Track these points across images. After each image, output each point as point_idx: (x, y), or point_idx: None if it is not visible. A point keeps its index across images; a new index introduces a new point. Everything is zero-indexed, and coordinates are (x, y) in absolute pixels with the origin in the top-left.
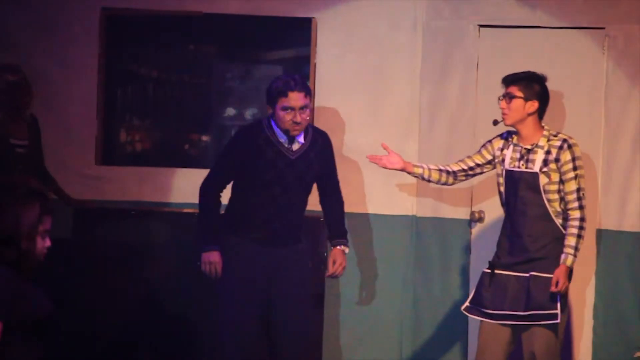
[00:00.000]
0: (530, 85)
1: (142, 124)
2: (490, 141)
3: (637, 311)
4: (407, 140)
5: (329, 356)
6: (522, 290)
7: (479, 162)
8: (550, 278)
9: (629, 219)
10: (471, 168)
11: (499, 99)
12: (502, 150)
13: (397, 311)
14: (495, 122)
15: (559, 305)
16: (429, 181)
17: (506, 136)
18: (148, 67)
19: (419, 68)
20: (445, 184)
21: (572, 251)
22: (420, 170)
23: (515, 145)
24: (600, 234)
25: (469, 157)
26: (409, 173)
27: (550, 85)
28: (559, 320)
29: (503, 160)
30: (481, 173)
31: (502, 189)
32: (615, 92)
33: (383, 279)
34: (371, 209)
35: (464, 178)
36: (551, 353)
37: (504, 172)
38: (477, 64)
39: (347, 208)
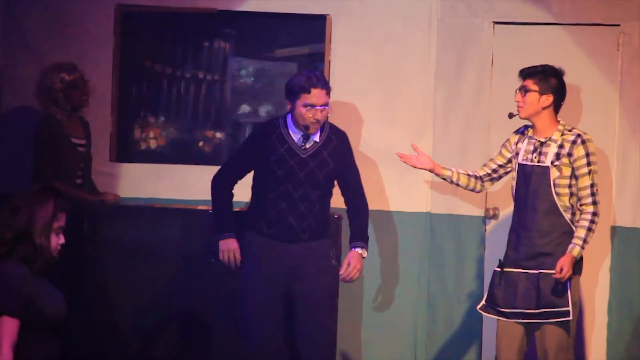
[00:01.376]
0: (546, 79)
1: (156, 121)
2: (508, 139)
3: None
4: (421, 137)
5: (344, 353)
6: (533, 288)
7: (501, 163)
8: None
9: None
10: (495, 170)
11: (515, 91)
12: (517, 144)
13: (411, 308)
14: (511, 115)
15: (570, 302)
16: (457, 185)
17: (522, 130)
18: (162, 64)
19: (434, 65)
20: (473, 189)
21: (580, 242)
22: (449, 173)
23: (530, 138)
24: (615, 230)
25: (491, 159)
26: (437, 175)
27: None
28: (570, 318)
29: (517, 154)
30: (506, 174)
31: (514, 183)
32: (630, 89)
33: (398, 276)
34: (386, 206)
35: (489, 182)
36: (564, 350)
37: (517, 165)
38: (492, 61)
39: None
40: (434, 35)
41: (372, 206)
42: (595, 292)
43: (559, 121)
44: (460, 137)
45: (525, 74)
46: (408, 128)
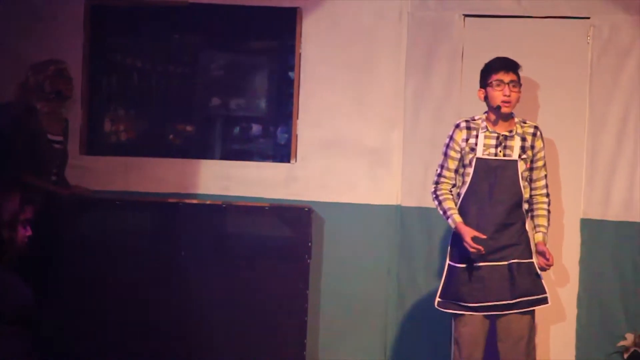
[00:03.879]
0: (519, 75)
1: (127, 114)
2: (451, 138)
3: (620, 300)
4: (392, 130)
5: (313, 346)
6: (504, 279)
7: (457, 167)
8: (530, 263)
9: (612, 208)
10: (456, 178)
11: (498, 84)
12: (467, 140)
13: (381, 300)
14: (498, 107)
15: (546, 288)
16: None
17: (466, 125)
18: (133, 57)
19: (404, 58)
20: None
21: (545, 230)
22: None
23: (489, 132)
24: (584, 223)
25: (446, 170)
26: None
27: (535, 74)
28: (549, 303)
29: (472, 150)
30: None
31: (469, 178)
32: (599, 81)
33: (367, 269)
34: (356, 199)
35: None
36: (533, 339)
37: (474, 161)
38: (462, 54)
39: (332, 198)
40: (404, 29)
41: (342, 199)
42: (565, 284)
43: (511, 114)
44: (430, 129)
45: (513, 67)
46: (379, 121)
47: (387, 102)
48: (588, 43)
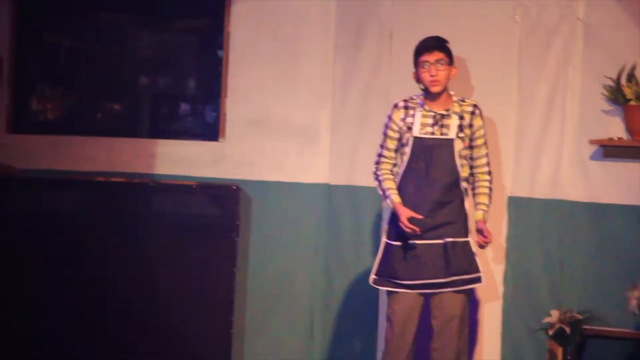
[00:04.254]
0: (450, 50)
1: (54, 92)
2: (389, 118)
3: (545, 277)
4: (320, 109)
5: (240, 324)
6: (439, 257)
7: (396, 147)
8: (466, 242)
9: (539, 186)
10: (396, 158)
11: (423, 65)
12: (404, 119)
13: (309, 279)
14: (426, 89)
15: (480, 267)
16: None
17: (404, 105)
18: (60, 36)
19: (333, 36)
20: None
21: (486, 208)
22: (396, 198)
23: (426, 111)
24: (511, 201)
25: (386, 149)
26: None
27: (463, 53)
28: (483, 283)
29: (409, 129)
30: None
31: (406, 157)
32: (527, 61)
33: (295, 247)
34: (284, 177)
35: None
36: (464, 315)
37: (411, 140)
38: (391, 33)
39: (260, 176)
40: (333, 7)
41: (270, 177)
42: (491, 262)
43: (450, 92)
44: (359, 108)
45: (440, 45)
46: (307, 99)
47: (316, 81)
48: (516, 22)
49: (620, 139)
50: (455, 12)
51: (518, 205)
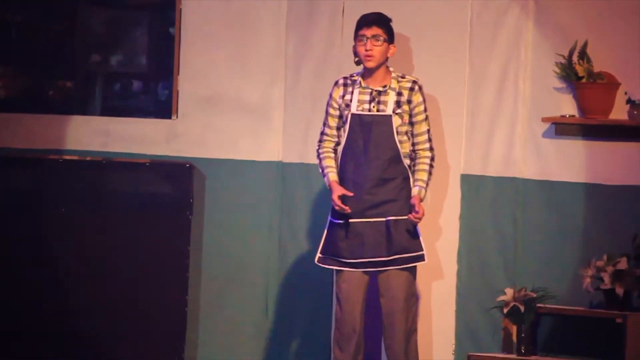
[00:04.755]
0: (391, 28)
1: (5, 70)
2: (330, 96)
3: (499, 256)
4: (273, 86)
5: (195, 302)
6: (381, 236)
7: (338, 124)
8: (408, 220)
9: (492, 164)
10: (339, 135)
11: (360, 39)
12: (343, 97)
13: (262, 256)
14: (359, 62)
15: (423, 245)
16: None
17: (344, 82)
18: (12, 13)
19: (285, 14)
20: None
21: (424, 185)
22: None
23: (363, 87)
24: (465, 179)
25: (327, 127)
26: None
27: (416, 31)
28: (426, 261)
29: (347, 106)
30: None
31: (345, 134)
32: (479, 39)
33: (249, 225)
34: (237, 155)
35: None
36: (413, 294)
37: (349, 117)
38: (343, 11)
39: (214, 154)
40: None
41: (224, 155)
42: (445, 240)
43: (389, 68)
44: (311, 85)
45: (377, 21)
46: (260, 77)
47: (269, 58)
48: (467, 1)
49: (572, 116)
50: None
51: (471, 183)
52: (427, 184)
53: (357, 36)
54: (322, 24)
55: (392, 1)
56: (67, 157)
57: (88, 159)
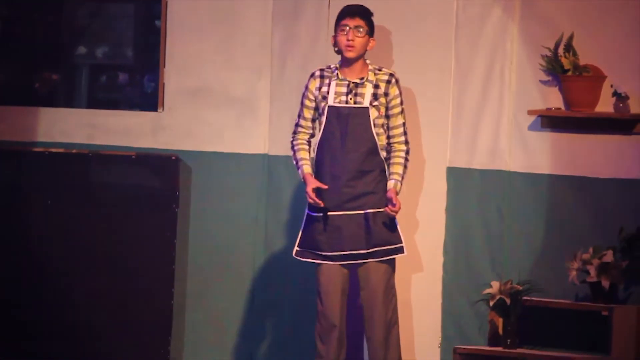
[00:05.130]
0: (373, 22)
1: None
2: (306, 87)
3: (486, 248)
4: (259, 79)
5: (181, 294)
6: (359, 228)
7: (314, 116)
8: (386, 212)
9: (478, 156)
10: (314, 127)
11: (345, 29)
12: (320, 89)
13: (248, 249)
14: (339, 52)
15: (402, 237)
16: None
17: (320, 74)
18: None
19: (271, 5)
20: None
21: (399, 178)
22: (308, 169)
23: (339, 79)
24: (450, 171)
25: (302, 119)
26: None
27: (400, 24)
28: (406, 253)
29: (324, 98)
30: None
31: (322, 127)
32: (465, 31)
33: (235, 218)
34: (223, 148)
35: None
36: (392, 286)
37: (326, 109)
38: (329, 3)
39: (200, 146)
40: None
41: (210, 148)
42: (431, 233)
43: (366, 60)
44: (297, 77)
45: (360, 12)
46: (246, 69)
47: (254, 50)
48: None
49: (558, 109)
50: None
51: (457, 176)
52: (402, 177)
53: (338, 26)
54: (308, 16)
55: None
56: (53, 150)
57: (74, 151)
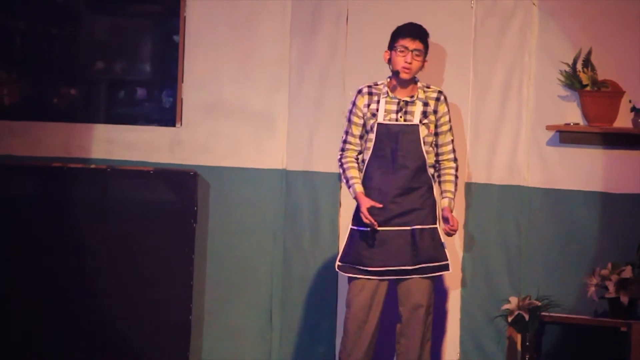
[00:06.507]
0: (428, 44)
1: (9, 77)
2: (354, 104)
3: (504, 264)
4: (277, 94)
5: (199, 310)
6: (406, 244)
7: (361, 133)
8: (434, 229)
9: (496, 171)
10: (362, 144)
11: (402, 50)
12: (368, 106)
13: (267, 265)
14: (397, 73)
15: (448, 254)
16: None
17: (368, 91)
18: (15, 19)
19: (289, 21)
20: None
21: (452, 196)
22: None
23: (390, 97)
24: (469, 187)
25: (351, 136)
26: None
27: None
28: (451, 270)
29: (374, 115)
30: None
31: (371, 144)
32: (483, 45)
33: (253, 233)
34: (241, 163)
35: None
36: (431, 302)
37: (375, 126)
38: (347, 18)
39: (218, 162)
40: None
41: (228, 163)
42: (450, 248)
43: (415, 79)
44: (315, 92)
45: (421, 35)
46: (264, 84)
47: (272, 64)
48: (472, 7)
49: (576, 124)
50: None
51: (476, 192)
52: (454, 195)
53: (396, 44)
54: (326, 31)
55: (396, 7)
56: (72, 165)
57: (92, 166)
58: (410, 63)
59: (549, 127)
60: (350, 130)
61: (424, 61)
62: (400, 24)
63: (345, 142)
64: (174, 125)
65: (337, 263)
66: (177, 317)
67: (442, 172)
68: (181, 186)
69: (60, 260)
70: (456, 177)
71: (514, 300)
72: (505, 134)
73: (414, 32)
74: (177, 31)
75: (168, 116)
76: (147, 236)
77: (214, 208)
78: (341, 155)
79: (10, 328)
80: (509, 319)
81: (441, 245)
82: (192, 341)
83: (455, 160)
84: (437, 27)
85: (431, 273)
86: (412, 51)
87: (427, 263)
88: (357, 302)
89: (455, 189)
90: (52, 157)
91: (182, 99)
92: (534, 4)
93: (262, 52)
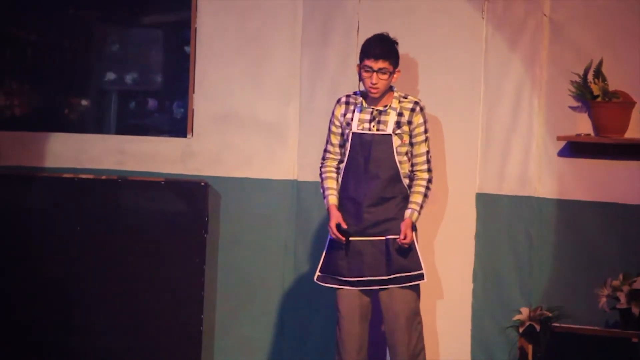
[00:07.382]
0: (397, 54)
1: (21, 88)
2: (332, 114)
3: (515, 275)
4: (287, 105)
5: (210, 321)
6: (381, 254)
7: (341, 142)
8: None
9: (507, 183)
10: (343, 153)
11: (366, 69)
12: (344, 115)
13: (278, 276)
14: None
15: (422, 264)
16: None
17: (345, 100)
18: (27, 31)
19: (300, 32)
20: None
21: (417, 208)
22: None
23: (365, 107)
24: (480, 197)
25: (330, 145)
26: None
27: (430, 50)
28: (425, 280)
29: (348, 124)
30: None
31: (347, 153)
32: (494, 57)
33: (265, 244)
34: (252, 174)
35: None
36: (416, 313)
37: (350, 135)
38: (358, 29)
39: (229, 172)
40: (300, 2)
41: (239, 174)
42: (460, 259)
43: (392, 88)
44: (326, 103)
45: (383, 55)
46: (275, 95)
47: (283, 75)
48: (483, 18)
49: (587, 135)
50: (421, 9)
51: (486, 202)
52: (421, 207)
53: (362, 63)
54: (337, 42)
55: (406, 19)
56: (82, 176)
57: (103, 177)
58: (375, 83)
59: (560, 138)
60: (329, 139)
61: (393, 74)
62: (410, 35)
63: (325, 150)
64: (185, 136)
65: (317, 274)
66: (188, 327)
67: (414, 182)
68: (192, 197)
69: (71, 271)
70: (427, 188)
71: (525, 311)
72: (516, 144)
73: (375, 53)
74: (188, 42)
75: (179, 127)
76: (158, 247)
77: (225, 219)
78: (322, 164)
79: (22, 338)
80: (520, 330)
81: (416, 255)
82: (203, 352)
83: (429, 171)
84: (448, 39)
85: (405, 283)
86: (376, 71)
87: (400, 273)
88: (341, 312)
89: (423, 201)
90: (63, 167)
91: (193, 110)
92: (544, 14)
93: (273, 63)
